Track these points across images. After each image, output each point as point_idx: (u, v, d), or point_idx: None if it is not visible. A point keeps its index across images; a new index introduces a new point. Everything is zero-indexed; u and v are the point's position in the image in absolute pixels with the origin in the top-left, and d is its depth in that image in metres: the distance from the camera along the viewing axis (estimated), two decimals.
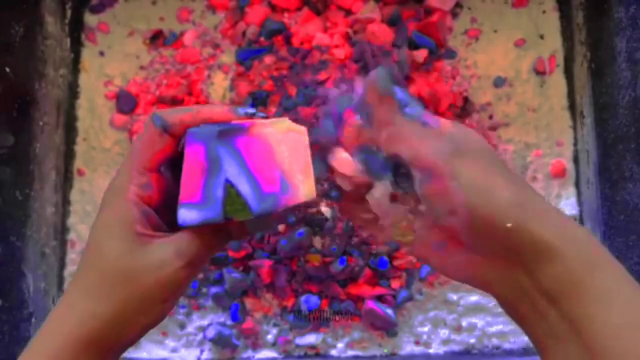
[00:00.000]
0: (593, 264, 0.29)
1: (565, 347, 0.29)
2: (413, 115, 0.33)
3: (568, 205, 0.62)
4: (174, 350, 0.61)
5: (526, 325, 0.31)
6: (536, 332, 0.30)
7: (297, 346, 0.61)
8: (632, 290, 0.29)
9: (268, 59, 0.63)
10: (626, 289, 0.28)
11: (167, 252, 0.31)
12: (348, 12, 0.65)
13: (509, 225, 0.29)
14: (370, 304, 0.59)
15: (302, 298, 0.60)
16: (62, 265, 0.63)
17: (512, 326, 0.60)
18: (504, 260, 0.30)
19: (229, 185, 0.30)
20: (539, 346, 0.30)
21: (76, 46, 0.67)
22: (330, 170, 0.36)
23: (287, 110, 0.62)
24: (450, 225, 0.31)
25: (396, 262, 0.60)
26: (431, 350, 0.60)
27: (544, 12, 0.66)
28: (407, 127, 0.32)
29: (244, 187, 0.31)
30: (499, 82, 0.65)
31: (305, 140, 0.37)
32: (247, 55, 0.65)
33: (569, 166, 0.63)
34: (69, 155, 0.65)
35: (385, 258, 0.59)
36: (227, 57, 0.66)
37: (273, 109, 0.63)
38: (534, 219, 0.29)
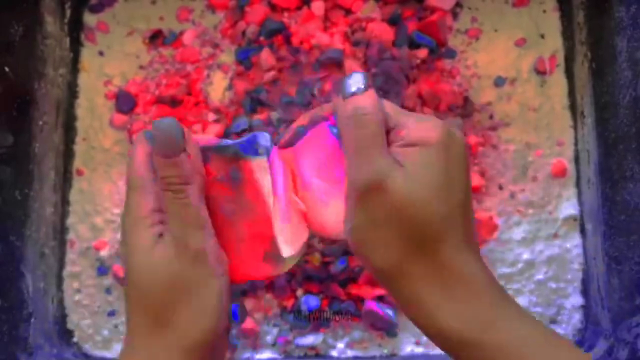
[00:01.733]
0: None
1: None
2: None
3: (568, 205, 0.62)
4: None
5: None
6: None
7: (297, 346, 0.61)
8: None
9: (268, 59, 0.63)
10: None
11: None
12: (348, 11, 0.65)
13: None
14: (370, 305, 0.59)
15: (302, 298, 0.60)
16: (61, 265, 0.63)
17: None
18: None
19: None
20: None
21: (75, 46, 0.67)
22: None
23: (286, 110, 0.62)
24: None
25: None
26: (431, 351, 0.60)
27: (544, 11, 0.66)
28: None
29: None
30: (499, 82, 0.64)
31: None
32: (247, 55, 0.65)
33: (570, 166, 0.63)
34: (68, 155, 0.65)
35: None
36: (227, 57, 0.66)
37: (272, 110, 0.63)
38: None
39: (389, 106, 0.33)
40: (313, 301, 0.59)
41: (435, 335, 0.30)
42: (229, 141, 0.32)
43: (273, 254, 0.32)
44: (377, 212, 0.30)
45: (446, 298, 0.29)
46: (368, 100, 0.31)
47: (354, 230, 0.31)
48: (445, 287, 0.29)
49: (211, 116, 0.64)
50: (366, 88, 0.31)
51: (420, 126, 0.31)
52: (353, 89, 0.31)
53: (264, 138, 0.32)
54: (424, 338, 0.60)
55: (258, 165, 0.31)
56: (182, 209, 0.30)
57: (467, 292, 0.30)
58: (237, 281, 0.33)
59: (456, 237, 0.30)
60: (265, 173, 0.31)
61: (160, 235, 0.31)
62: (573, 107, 0.64)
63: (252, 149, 0.31)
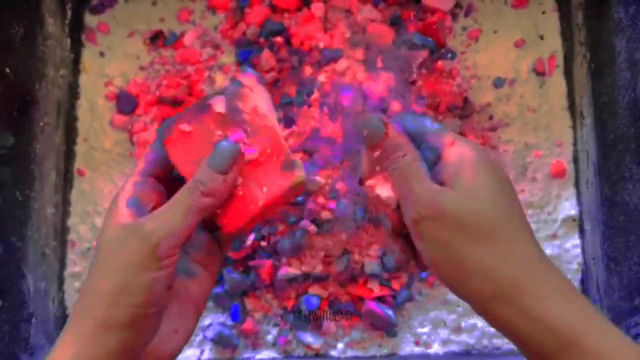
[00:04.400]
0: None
1: None
2: (428, 156, 0.33)
3: (567, 205, 0.62)
4: None
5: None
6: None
7: (297, 346, 0.61)
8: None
9: (269, 60, 0.64)
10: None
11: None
12: (348, 12, 0.65)
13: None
14: (370, 305, 0.59)
15: (302, 298, 0.60)
16: (62, 265, 0.63)
17: None
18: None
19: None
20: None
21: (76, 47, 0.67)
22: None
23: (286, 110, 0.62)
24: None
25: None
26: (431, 351, 0.60)
27: (543, 12, 0.66)
28: (397, 179, 0.33)
29: None
30: (498, 83, 0.65)
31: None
32: (247, 56, 0.65)
33: (569, 166, 0.63)
34: (69, 155, 0.65)
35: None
36: (228, 58, 0.66)
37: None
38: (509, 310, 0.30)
39: (413, 122, 0.35)
40: (313, 301, 0.59)
41: (540, 341, 0.30)
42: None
43: (287, 162, 0.35)
44: (439, 233, 0.31)
45: (556, 295, 0.30)
46: (394, 142, 0.33)
47: (434, 266, 0.32)
48: (547, 284, 0.30)
49: None
50: (384, 127, 0.34)
51: (456, 148, 0.33)
52: (374, 135, 0.34)
53: (245, 73, 0.37)
54: (424, 338, 0.61)
55: (246, 94, 0.36)
56: (178, 207, 0.33)
57: (567, 289, 0.31)
58: (271, 203, 0.35)
59: (528, 233, 0.31)
60: (256, 97, 0.36)
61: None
62: (572, 108, 0.64)
63: (236, 83, 0.36)
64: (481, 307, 0.31)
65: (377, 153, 0.34)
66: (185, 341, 0.35)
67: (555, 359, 0.29)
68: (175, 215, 0.32)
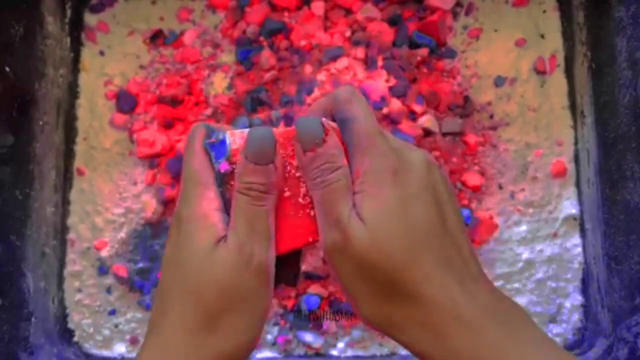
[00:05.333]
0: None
1: None
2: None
3: (568, 204, 0.62)
4: None
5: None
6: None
7: (297, 346, 0.61)
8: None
9: (269, 59, 0.63)
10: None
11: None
12: (348, 11, 0.65)
13: None
14: None
15: (302, 298, 0.60)
16: (62, 264, 0.63)
17: None
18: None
19: None
20: None
21: (76, 46, 0.67)
22: None
23: (286, 109, 0.62)
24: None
25: None
26: None
27: (544, 11, 0.66)
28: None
29: None
30: (499, 82, 0.64)
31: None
32: (247, 55, 0.65)
33: (570, 166, 0.63)
34: (68, 155, 0.65)
35: None
36: (227, 57, 0.66)
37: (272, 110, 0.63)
38: None
39: (353, 135, 0.31)
40: (313, 301, 0.59)
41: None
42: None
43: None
44: (346, 268, 0.29)
45: (440, 341, 0.28)
46: (330, 151, 0.30)
47: (343, 285, 0.31)
48: (437, 332, 0.28)
49: (212, 116, 0.64)
50: (323, 135, 0.30)
51: (373, 166, 0.30)
52: (310, 140, 0.30)
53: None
54: None
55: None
56: (256, 216, 0.30)
57: (461, 330, 0.28)
58: (302, 245, 0.33)
59: (431, 273, 0.29)
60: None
61: (222, 237, 0.30)
62: (573, 107, 0.64)
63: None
64: (381, 329, 0.31)
65: (305, 156, 0.31)
66: None
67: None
68: (260, 227, 0.30)
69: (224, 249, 0.29)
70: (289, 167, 0.32)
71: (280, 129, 0.32)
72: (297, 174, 0.32)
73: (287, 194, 0.32)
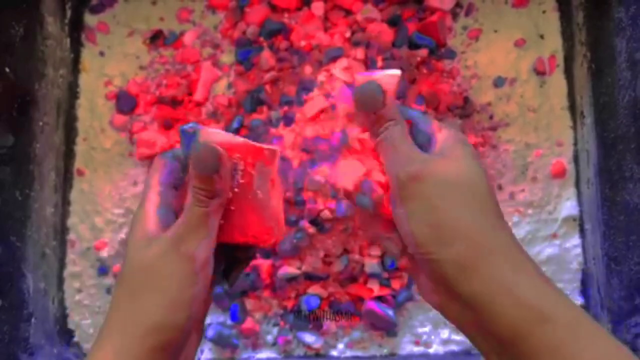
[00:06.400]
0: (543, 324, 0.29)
1: None
2: (422, 135, 0.34)
3: (568, 205, 0.62)
4: None
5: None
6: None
7: (297, 346, 0.61)
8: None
9: (268, 59, 0.63)
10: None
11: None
12: (348, 12, 0.65)
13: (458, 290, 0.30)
14: (370, 305, 0.59)
15: (302, 298, 0.60)
16: (62, 265, 0.63)
17: None
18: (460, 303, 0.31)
19: None
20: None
21: (76, 46, 0.67)
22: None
23: (286, 110, 0.62)
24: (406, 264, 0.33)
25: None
26: (431, 351, 0.60)
27: (544, 12, 0.66)
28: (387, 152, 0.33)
29: None
30: (499, 82, 0.64)
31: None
32: (247, 55, 0.65)
33: (569, 166, 0.63)
34: (68, 155, 0.65)
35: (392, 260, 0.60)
36: (227, 57, 0.66)
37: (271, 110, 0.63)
38: (479, 284, 0.30)
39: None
40: (313, 301, 0.59)
41: (513, 316, 0.29)
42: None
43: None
44: (427, 198, 0.31)
45: (524, 275, 0.30)
46: (389, 110, 0.34)
47: (415, 235, 0.32)
48: (518, 264, 0.30)
49: (211, 116, 0.64)
50: (382, 94, 0.34)
51: (444, 131, 0.34)
52: (373, 104, 0.34)
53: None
54: (424, 337, 0.61)
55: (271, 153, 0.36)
56: (197, 215, 0.33)
57: (535, 264, 0.31)
58: (277, 242, 0.36)
59: (499, 213, 0.32)
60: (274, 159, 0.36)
61: (159, 230, 0.34)
62: (572, 108, 0.64)
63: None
64: (453, 279, 0.30)
65: (370, 117, 0.34)
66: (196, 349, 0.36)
67: (527, 334, 0.29)
68: (198, 226, 0.32)
69: (162, 238, 0.33)
70: (241, 175, 0.35)
71: (239, 141, 0.34)
72: (256, 183, 0.35)
73: (240, 196, 0.35)
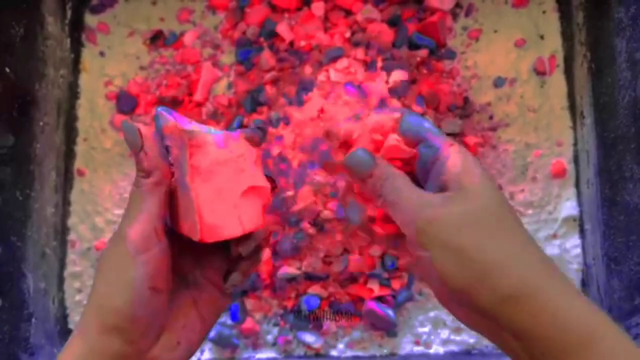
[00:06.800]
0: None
1: None
2: (428, 153, 0.33)
3: (568, 205, 0.62)
4: None
5: None
6: None
7: (297, 346, 0.61)
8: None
9: (269, 60, 0.63)
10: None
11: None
12: (348, 12, 0.65)
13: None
14: (370, 305, 0.59)
15: (302, 298, 0.60)
16: (62, 265, 0.63)
17: None
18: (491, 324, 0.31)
19: None
20: None
21: (76, 46, 0.67)
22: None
23: (286, 110, 0.62)
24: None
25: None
26: (431, 351, 0.60)
27: (544, 12, 0.66)
28: (392, 195, 0.33)
29: None
30: (499, 83, 0.65)
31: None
32: (247, 56, 0.65)
33: (569, 166, 0.63)
34: (69, 155, 0.65)
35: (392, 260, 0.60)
36: (227, 58, 0.66)
37: (271, 110, 0.63)
38: (519, 315, 0.29)
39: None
40: (313, 301, 0.59)
41: (562, 332, 0.29)
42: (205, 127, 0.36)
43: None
44: (451, 239, 0.30)
45: (568, 292, 0.30)
46: (383, 175, 0.33)
47: (445, 275, 0.31)
48: (558, 281, 0.30)
49: (212, 116, 0.64)
50: (373, 161, 0.33)
51: (455, 149, 0.33)
52: (362, 173, 0.33)
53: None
54: (424, 337, 0.61)
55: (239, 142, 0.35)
56: (131, 195, 0.34)
57: (572, 286, 0.31)
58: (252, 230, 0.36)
59: (525, 231, 0.32)
60: (246, 146, 0.35)
61: None
62: (572, 108, 0.64)
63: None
64: (493, 311, 0.30)
65: (364, 185, 0.34)
66: (189, 354, 0.35)
67: (569, 358, 0.29)
68: (133, 206, 0.33)
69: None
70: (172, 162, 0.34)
71: (191, 128, 0.34)
72: (177, 172, 0.34)
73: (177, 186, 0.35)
